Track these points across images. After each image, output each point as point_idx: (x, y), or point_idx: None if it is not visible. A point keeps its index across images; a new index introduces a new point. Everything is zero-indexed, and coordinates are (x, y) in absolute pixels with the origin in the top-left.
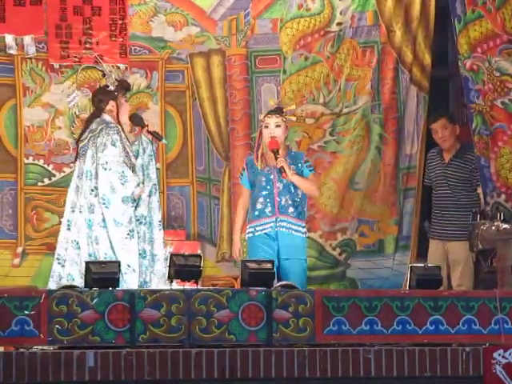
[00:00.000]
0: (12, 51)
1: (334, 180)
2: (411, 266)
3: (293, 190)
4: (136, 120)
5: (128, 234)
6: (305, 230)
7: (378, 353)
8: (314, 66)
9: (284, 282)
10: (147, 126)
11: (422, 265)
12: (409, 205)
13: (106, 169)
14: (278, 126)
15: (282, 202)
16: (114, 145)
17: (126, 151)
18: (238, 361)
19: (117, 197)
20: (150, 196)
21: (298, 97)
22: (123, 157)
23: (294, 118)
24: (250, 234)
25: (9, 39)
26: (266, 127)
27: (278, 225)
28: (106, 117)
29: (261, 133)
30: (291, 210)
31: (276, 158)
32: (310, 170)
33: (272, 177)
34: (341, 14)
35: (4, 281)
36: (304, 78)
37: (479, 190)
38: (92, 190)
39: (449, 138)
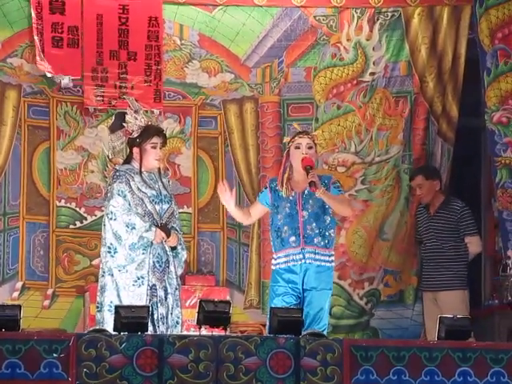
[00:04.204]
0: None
1: (364, 228)
2: (440, 317)
3: (319, 217)
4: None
5: (135, 282)
6: (332, 258)
7: None
8: (346, 115)
9: (312, 330)
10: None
11: (451, 316)
12: None
13: (111, 218)
14: (310, 147)
15: (308, 231)
16: (119, 194)
17: (138, 199)
18: None
19: (123, 245)
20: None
21: (330, 145)
22: (133, 205)
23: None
24: (275, 267)
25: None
26: (297, 148)
27: (305, 257)
28: (135, 164)
29: (288, 155)
30: (318, 239)
31: (307, 174)
32: (339, 191)
33: (297, 204)
34: (374, 64)
35: (34, 322)
36: (336, 127)
37: (467, 240)
38: (101, 239)
39: (426, 195)
